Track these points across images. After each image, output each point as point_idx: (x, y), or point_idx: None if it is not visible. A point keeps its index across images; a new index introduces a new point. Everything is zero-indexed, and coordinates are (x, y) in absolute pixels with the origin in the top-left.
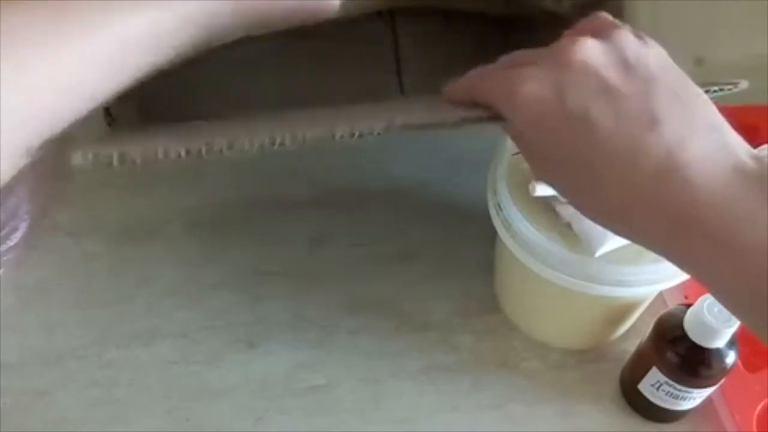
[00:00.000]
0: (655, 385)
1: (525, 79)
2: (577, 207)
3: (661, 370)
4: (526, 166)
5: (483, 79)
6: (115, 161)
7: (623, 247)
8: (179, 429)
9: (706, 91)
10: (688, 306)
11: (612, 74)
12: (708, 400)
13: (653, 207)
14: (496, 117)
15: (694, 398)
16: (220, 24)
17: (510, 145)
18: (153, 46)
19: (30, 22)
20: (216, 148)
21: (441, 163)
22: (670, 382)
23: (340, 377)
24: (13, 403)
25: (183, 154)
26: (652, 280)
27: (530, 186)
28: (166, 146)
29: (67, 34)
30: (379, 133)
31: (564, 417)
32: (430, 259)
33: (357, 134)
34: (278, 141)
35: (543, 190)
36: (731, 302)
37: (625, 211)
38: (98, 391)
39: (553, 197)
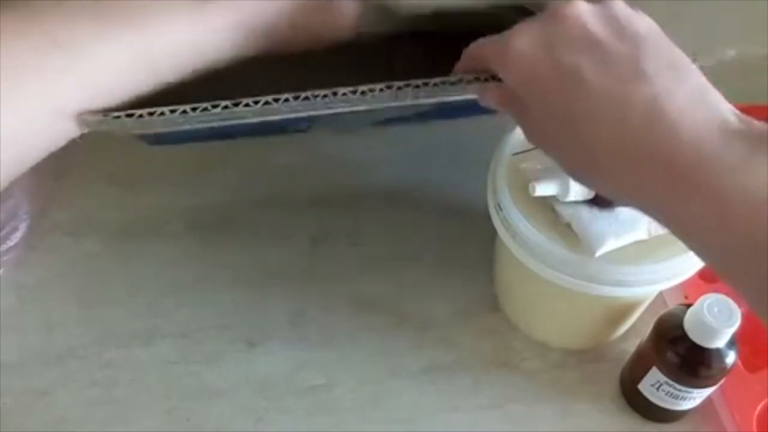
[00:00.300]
0: (655, 385)
1: (516, 35)
2: (568, 170)
3: (661, 370)
4: (525, 165)
5: (482, 45)
6: (123, 116)
7: (623, 247)
8: (179, 429)
9: (695, 58)
10: (688, 306)
11: (601, 31)
12: (708, 400)
13: (640, 160)
14: (492, 77)
15: (694, 398)
16: (230, 46)
17: (510, 145)
18: (158, 66)
19: (33, 43)
20: (221, 105)
21: (441, 163)
22: (670, 382)
23: (340, 377)
24: (13, 403)
25: (188, 110)
26: (652, 280)
27: (530, 186)
28: (171, 107)
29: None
30: (381, 90)
31: (564, 417)
32: (430, 259)
33: (359, 92)
34: (282, 99)
35: (543, 190)
36: (717, 259)
37: (614, 167)
38: (98, 391)
39: (553, 197)
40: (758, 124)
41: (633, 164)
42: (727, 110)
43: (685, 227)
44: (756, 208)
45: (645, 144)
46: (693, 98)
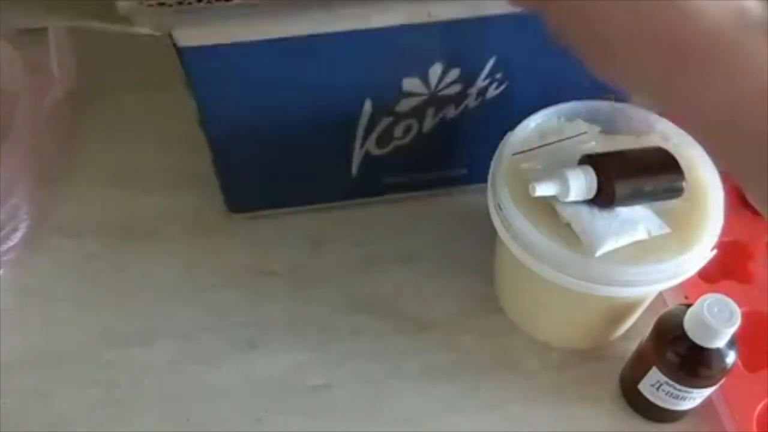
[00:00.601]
0: (655, 385)
1: None
2: (586, 60)
3: (661, 370)
4: (525, 165)
5: None
6: (155, 5)
7: (623, 247)
8: (179, 429)
9: None
10: (688, 306)
11: None
12: (708, 400)
13: (656, 44)
14: None
15: (694, 398)
16: None
17: (510, 145)
18: None
19: None
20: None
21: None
22: (670, 382)
23: (340, 377)
24: (13, 403)
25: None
26: (652, 280)
27: (530, 186)
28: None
29: None
30: None
31: (564, 417)
32: (430, 259)
33: None
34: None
35: (543, 190)
36: (726, 150)
37: (630, 52)
38: (98, 391)
39: (553, 197)
40: None
41: (648, 49)
42: (751, 1)
43: (696, 114)
44: (764, 94)
45: (662, 29)
46: None
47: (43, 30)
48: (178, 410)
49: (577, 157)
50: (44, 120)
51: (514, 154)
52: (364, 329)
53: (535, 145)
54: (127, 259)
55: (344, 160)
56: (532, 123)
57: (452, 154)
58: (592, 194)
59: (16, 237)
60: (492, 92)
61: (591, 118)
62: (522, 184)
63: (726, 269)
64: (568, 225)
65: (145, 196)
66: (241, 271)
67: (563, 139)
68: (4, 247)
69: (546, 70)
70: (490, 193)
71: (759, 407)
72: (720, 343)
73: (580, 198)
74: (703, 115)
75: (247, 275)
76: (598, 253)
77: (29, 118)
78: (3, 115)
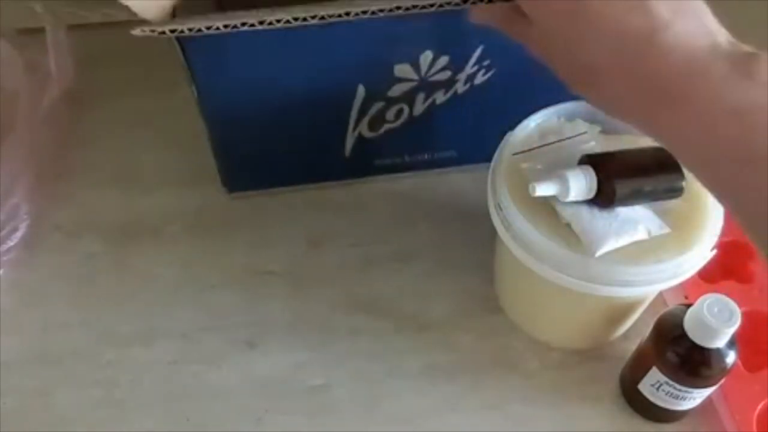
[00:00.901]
0: (655, 385)
1: None
2: (566, 82)
3: (661, 370)
4: (525, 165)
5: None
6: (167, 31)
7: (623, 247)
8: (179, 429)
9: None
10: (688, 306)
11: None
12: (708, 400)
13: (634, 79)
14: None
15: (694, 398)
16: None
17: (510, 145)
18: None
19: None
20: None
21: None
22: (670, 382)
23: (339, 377)
24: (13, 403)
25: (221, 27)
26: (652, 280)
27: (530, 186)
28: (211, 20)
29: None
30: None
31: (564, 417)
32: (430, 259)
33: None
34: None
35: (543, 190)
36: (704, 172)
37: (609, 85)
38: (98, 391)
39: (553, 197)
40: (745, 47)
41: (627, 83)
42: (719, 33)
43: (674, 141)
44: (737, 120)
45: (640, 66)
46: (690, 26)
47: (42, 29)
48: (178, 410)
49: (577, 157)
50: (42, 119)
51: (514, 154)
52: (363, 329)
53: (535, 145)
54: (127, 259)
55: (338, 142)
56: (532, 123)
57: (441, 137)
58: (592, 194)
59: (16, 237)
60: (480, 78)
61: (591, 118)
62: (522, 184)
63: (726, 269)
64: (568, 225)
65: (145, 196)
66: (240, 271)
67: (563, 139)
68: (4, 247)
69: (532, 58)
70: (490, 193)
71: (759, 407)
72: (720, 343)
73: (580, 198)
74: (680, 142)
75: (246, 275)
76: (598, 253)
77: (29, 118)
78: (3, 114)
